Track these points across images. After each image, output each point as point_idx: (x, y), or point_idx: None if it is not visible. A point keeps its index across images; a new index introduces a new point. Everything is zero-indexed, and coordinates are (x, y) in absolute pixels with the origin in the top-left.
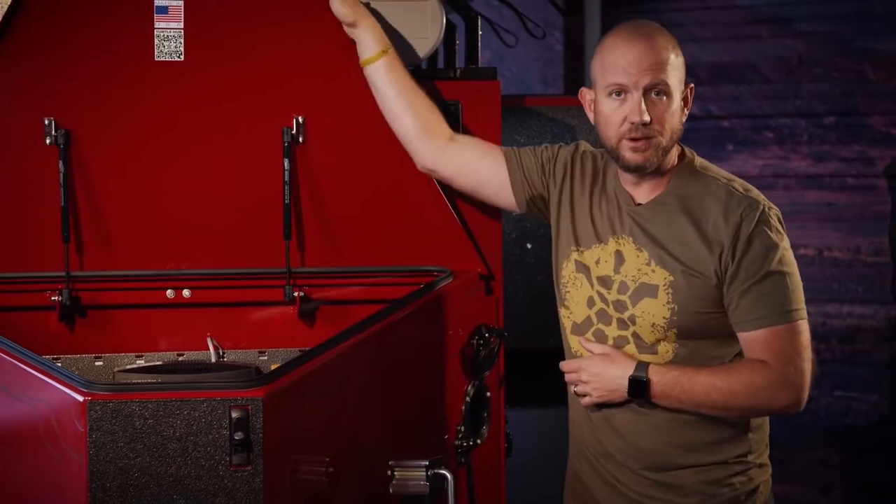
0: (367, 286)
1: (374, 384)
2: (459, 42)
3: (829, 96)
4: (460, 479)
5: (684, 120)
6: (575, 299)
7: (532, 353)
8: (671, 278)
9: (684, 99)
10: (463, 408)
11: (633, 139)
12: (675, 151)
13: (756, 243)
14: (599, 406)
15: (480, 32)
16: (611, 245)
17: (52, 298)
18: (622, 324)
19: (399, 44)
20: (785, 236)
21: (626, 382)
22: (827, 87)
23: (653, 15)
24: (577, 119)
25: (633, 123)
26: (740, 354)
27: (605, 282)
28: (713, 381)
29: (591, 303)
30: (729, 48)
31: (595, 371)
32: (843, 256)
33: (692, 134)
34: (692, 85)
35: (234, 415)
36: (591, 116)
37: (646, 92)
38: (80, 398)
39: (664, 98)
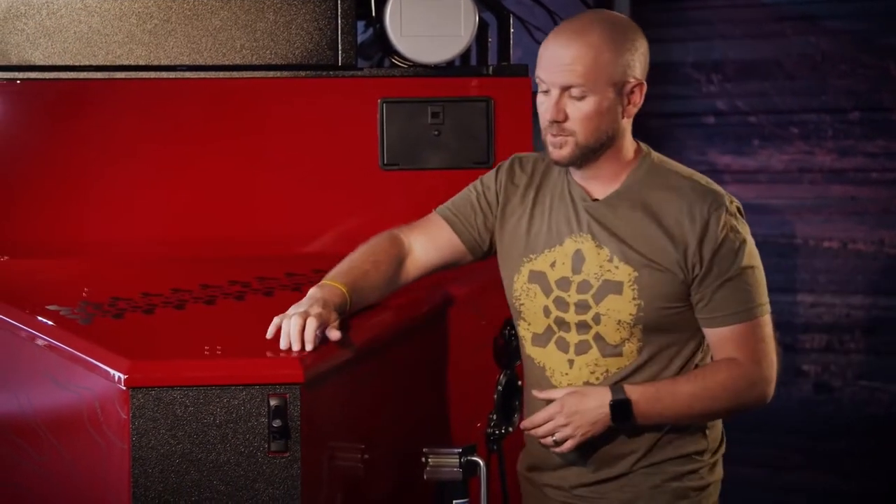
0: None
1: (409, 373)
2: (492, 40)
3: (854, 92)
4: (492, 466)
5: (628, 116)
6: (531, 311)
7: None
8: (635, 274)
9: (627, 95)
10: (495, 396)
11: (551, 134)
12: (629, 147)
13: (727, 240)
14: None
15: (512, 30)
16: (567, 245)
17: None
18: (583, 328)
19: (434, 41)
20: (748, 228)
21: (607, 410)
22: (851, 84)
23: (680, 13)
24: None
25: (547, 120)
26: (702, 349)
27: (563, 284)
28: (693, 390)
29: (546, 312)
30: (755, 45)
31: (572, 410)
32: (866, 249)
33: (720, 129)
34: (640, 82)
35: (273, 402)
36: None
37: (564, 90)
38: (124, 386)
39: (582, 98)
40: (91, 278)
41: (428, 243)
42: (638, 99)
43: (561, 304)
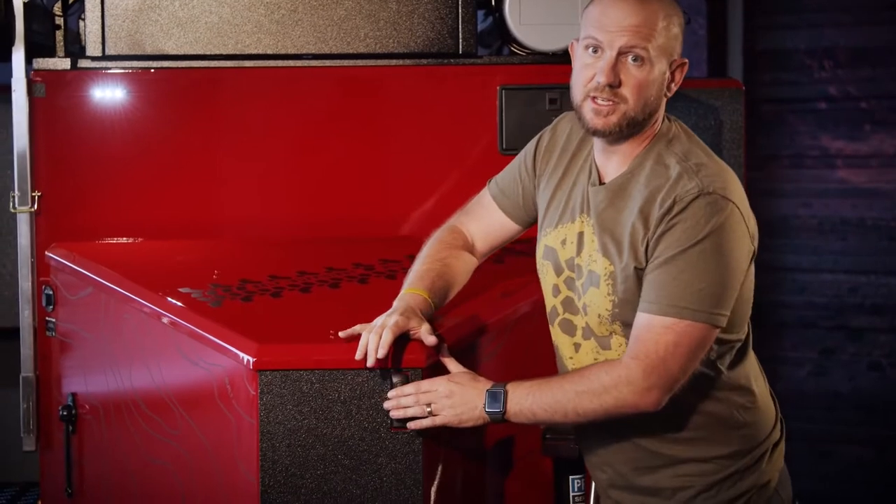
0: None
1: (522, 350)
2: None
3: None
4: None
5: (669, 95)
6: (544, 287)
7: None
8: (611, 268)
9: (673, 73)
10: None
11: (596, 100)
12: (652, 125)
13: (677, 228)
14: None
15: None
16: (577, 224)
17: None
18: (583, 312)
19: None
20: (726, 231)
21: (484, 396)
22: None
23: (794, 0)
24: (720, 101)
25: (598, 83)
26: (723, 346)
27: (571, 265)
28: (561, 384)
29: (556, 291)
30: (868, 32)
31: (450, 389)
32: None
33: (832, 114)
34: (685, 61)
35: (395, 380)
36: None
37: (621, 54)
38: (252, 368)
39: (640, 65)
40: (220, 260)
41: (484, 232)
42: (679, 78)
43: (570, 284)
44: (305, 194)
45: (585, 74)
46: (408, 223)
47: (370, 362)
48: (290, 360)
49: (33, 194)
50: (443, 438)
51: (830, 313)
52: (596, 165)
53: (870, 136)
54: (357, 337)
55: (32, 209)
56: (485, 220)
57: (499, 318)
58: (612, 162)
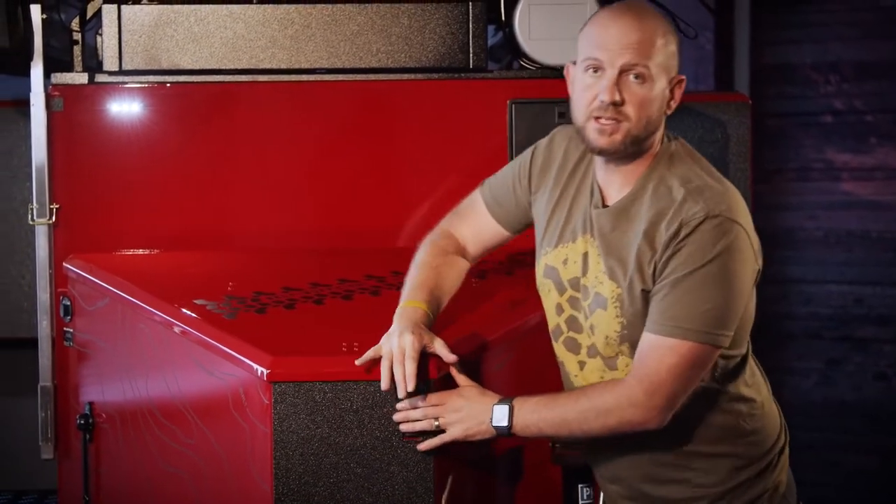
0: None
1: (530, 362)
2: None
3: None
4: None
5: (669, 112)
6: (546, 305)
7: None
8: (619, 291)
9: (671, 90)
10: None
11: (600, 119)
12: (656, 146)
13: (684, 251)
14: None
15: None
16: (579, 244)
17: None
18: (589, 331)
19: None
20: (732, 253)
21: (490, 411)
22: None
23: (800, 15)
24: (727, 115)
25: (602, 102)
26: (725, 365)
27: (574, 285)
28: (566, 402)
29: (559, 310)
30: (873, 46)
31: (459, 405)
32: None
33: (837, 128)
34: (683, 77)
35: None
36: (571, 93)
37: (623, 72)
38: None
39: (642, 82)
40: (235, 272)
41: (477, 236)
42: (678, 95)
43: (575, 304)
44: (319, 206)
45: (587, 96)
46: (419, 235)
47: (401, 394)
48: (304, 372)
49: (51, 206)
50: (454, 447)
51: (836, 324)
52: (598, 186)
53: (875, 149)
54: (374, 361)
55: (50, 221)
56: (477, 225)
57: (507, 329)
58: (614, 183)
